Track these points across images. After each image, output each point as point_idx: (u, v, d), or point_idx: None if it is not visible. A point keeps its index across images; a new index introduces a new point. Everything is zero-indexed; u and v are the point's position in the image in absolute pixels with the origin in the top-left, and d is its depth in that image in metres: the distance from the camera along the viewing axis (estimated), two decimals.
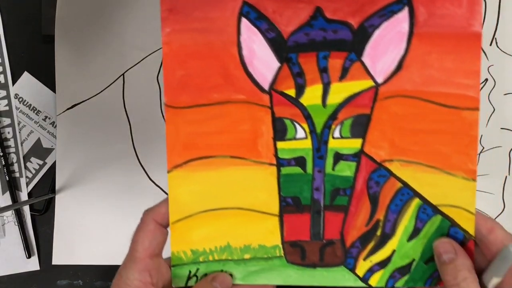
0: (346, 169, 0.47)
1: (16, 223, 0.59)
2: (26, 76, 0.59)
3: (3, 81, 0.59)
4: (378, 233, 0.47)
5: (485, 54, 0.57)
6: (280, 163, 0.47)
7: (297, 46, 0.45)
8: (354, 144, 0.46)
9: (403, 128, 0.46)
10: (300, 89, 0.46)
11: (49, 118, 0.60)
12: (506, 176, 0.59)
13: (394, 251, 0.47)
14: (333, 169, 0.47)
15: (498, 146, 0.58)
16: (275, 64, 0.46)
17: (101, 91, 0.60)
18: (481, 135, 0.58)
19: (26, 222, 0.60)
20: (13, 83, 0.59)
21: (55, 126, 0.59)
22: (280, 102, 0.46)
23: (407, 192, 0.46)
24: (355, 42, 0.45)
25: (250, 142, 0.47)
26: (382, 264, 0.47)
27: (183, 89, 0.46)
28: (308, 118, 0.46)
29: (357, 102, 0.46)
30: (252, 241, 0.48)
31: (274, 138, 0.47)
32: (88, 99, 0.60)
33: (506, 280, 0.43)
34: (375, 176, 0.46)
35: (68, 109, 0.59)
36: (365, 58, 0.45)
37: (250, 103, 0.46)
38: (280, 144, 0.47)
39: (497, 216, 0.59)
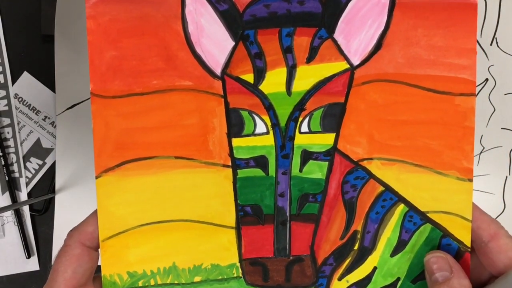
0: (316, 171, 0.39)
1: (16, 223, 0.59)
2: (25, 76, 0.59)
3: (2, 81, 0.59)
4: (356, 247, 0.39)
5: (486, 54, 0.56)
6: (237, 164, 0.39)
7: (255, 20, 0.38)
8: (325, 140, 0.38)
9: (384, 120, 0.38)
10: (259, 74, 0.38)
11: (49, 118, 0.59)
12: (506, 176, 0.57)
13: (375, 269, 0.39)
14: (300, 170, 0.39)
15: (499, 146, 0.57)
16: (229, 43, 0.38)
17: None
18: (481, 135, 0.57)
19: (26, 222, 0.59)
20: (13, 83, 0.59)
21: (55, 126, 0.59)
22: (235, 90, 0.38)
23: (390, 197, 0.39)
24: (325, 15, 0.38)
25: (199, 139, 0.39)
26: (361, 284, 0.40)
27: (114, 74, 0.38)
28: (269, 109, 0.38)
29: (328, 88, 0.38)
30: (204, 260, 0.39)
31: (229, 134, 0.39)
32: (88, 99, 0.58)
33: None
34: (351, 178, 0.39)
35: (68, 109, 0.58)
36: (338, 35, 0.38)
37: (198, 91, 0.38)
38: (236, 141, 0.39)
39: (498, 216, 0.57)
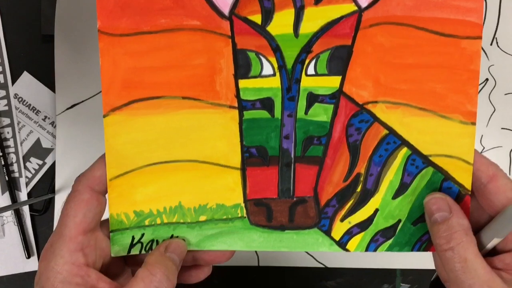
0: (321, 113, 0.39)
1: (16, 223, 0.58)
2: (25, 76, 0.59)
3: (2, 81, 0.58)
4: (358, 189, 0.40)
5: (486, 54, 0.56)
6: (243, 105, 0.39)
7: None
8: (331, 83, 0.39)
9: (390, 63, 0.38)
10: (267, 15, 0.38)
11: (49, 118, 0.59)
12: None
13: (376, 210, 0.40)
14: (306, 113, 0.39)
15: (499, 146, 0.57)
16: None
17: (101, 91, 0.58)
18: (481, 135, 0.57)
19: (26, 222, 0.59)
20: (13, 83, 0.59)
21: (55, 126, 0.59)
22: (243, 31, 0.38)
23: (393, 141, 0.39)
24: None
25: (206, 79, 0.39)
26: (363, 225, 0.40)
27: (122, 12, 0.37)
28: (276, 50, 0.38)
29: (336, 31, 0.38)
30: (209, 200, 0.40)
31: (236, 75, 0.39)
32: (88, 99, 0.58)
33: (508, 240, 0.37)
34: (356, 121, 0.39)
35: (67, 109, 0.58)
36: None
37: (206, 31, 0.38)
38: (243, 83, 0.39)
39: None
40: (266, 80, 0.39)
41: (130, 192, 0.39)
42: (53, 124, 0.59)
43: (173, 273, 0.38)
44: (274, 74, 0.39)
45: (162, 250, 0.39)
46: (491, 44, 0.56)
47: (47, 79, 0.58)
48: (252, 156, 0.40)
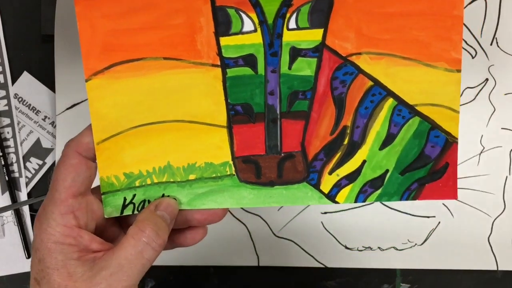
0: (305, 67, 0.39)
1: (16, 223, 0.59)
2: (25, 76, 0.59)
3: (2, 81, 0.59)
4: (345, 141, 0.40)
5: (486, 54, 0.56)
6: (226, 63, 0.39)
7: None
8: (313, 36, 0.38)
9: (372, 13, 0.38)
10: None
11: (49, 118, 0.59)
12: (506, 176, 0.57)
13: (364, 162, 0.40)
14: (289, 68, 0.39)
15: (499, 146, 0.57)
16: None
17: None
18: (481, 135, 0.57)
19: (26, 222, 0.59)
20: (13, 83, 0.59)
21: (55, 126, 0.59)
22: None
23: (378, 92, 0.39)
24: None
25: (186, 39, 0.38)
26: (351, 177, 0.41)
27: None
28: (256, 6, 0.38)
29: None
30: (197, 158, 0.40)
31: (216, 33, 0.38)
32: (87, 99, 0.55)
33: None
34: (340, 74, 0.39)
35: (67, 109, 0.58)
36: None
37: None
38: (224, 40, 0.38)
39: (498, 216, 0.57)
40: (248, 37, 0.38)
41: (119, 154, 0.40)
42: (53, 124, 0.59)
43: (163, 229, 0.38)
44: (255, 30, 0.38)
45: (152, 208, 0.39)
46: (491, 44, 0.56)
47: (47, 79, 0.58)
48: (238, 114, 0.40)
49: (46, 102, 0.59)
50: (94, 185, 0.41)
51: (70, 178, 0.38)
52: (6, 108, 0.58)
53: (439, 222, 0.57)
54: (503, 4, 0.55)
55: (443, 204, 0.57)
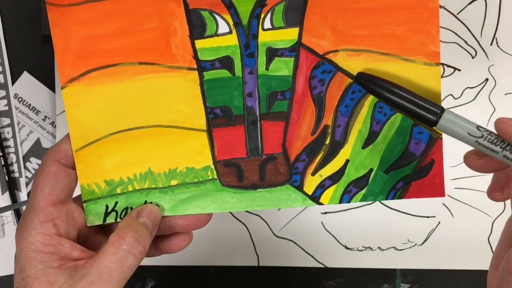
0: (282, 67, 0.38)
1: (16, 223, 0.59)
2: (25, 76, 0.59)
3: (2, 81, 0.58)
4: (327, 141, 0.39)
5: (486, 54, 0.55)
6: (202, 66, 0.38)
7: None
8: (289, 35, 0.38)
9: (347, 9, 0.37)
10: None
11: (49, 118, 0.59)
12: None
13: (347, 161, 0.39)
14: (267, 68, 0.38)
15: None
16: None
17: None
18: None
19: None
20: (13, 83, 0.59)
21: (55, 126, 0.59)
22: None
23: (358, 89, 0.38)
24: None
25: (161, 43, 0.38)
26: (334, 177, 0.40)
27: None
28: (230, 7, 0.37)
29: None
30: (178, 164, 0.40)
31: (191, 36, 0.38)
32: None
33: None
34: (318, 72, 0.38)
35: None
36: None
37: None
38: (200, 43, 0.38)
39: (498, 217, 0.57)
40: (223, 39, 0.38)
41: (98, 161, 0.40)
42: (53, 124, 0.59)
43: (144, 236, 0.38)
44: (230, 32, 0.38)
45: (134, 215, 0.39)
46: (491, 44, 0.55)
47: (47, 79, 0.58)
48: (217, 117, 0.39)
49: (46, 102, 0.59)
50: (76, 193, 0.40)
51: (48, 186, 0.38)
52: (6, 108, 0.58)
53: (439, 222, 0.56)
54: (503, 4, 0.55)
55: (443, 204, 0.56)
